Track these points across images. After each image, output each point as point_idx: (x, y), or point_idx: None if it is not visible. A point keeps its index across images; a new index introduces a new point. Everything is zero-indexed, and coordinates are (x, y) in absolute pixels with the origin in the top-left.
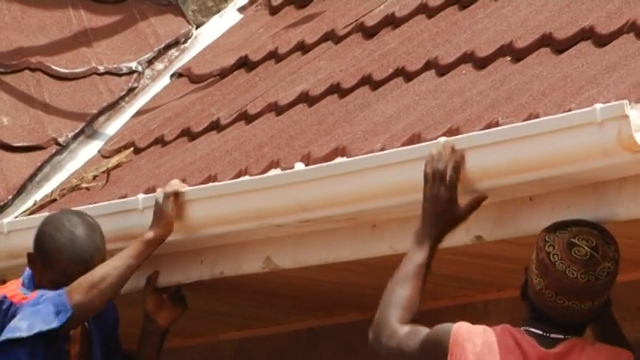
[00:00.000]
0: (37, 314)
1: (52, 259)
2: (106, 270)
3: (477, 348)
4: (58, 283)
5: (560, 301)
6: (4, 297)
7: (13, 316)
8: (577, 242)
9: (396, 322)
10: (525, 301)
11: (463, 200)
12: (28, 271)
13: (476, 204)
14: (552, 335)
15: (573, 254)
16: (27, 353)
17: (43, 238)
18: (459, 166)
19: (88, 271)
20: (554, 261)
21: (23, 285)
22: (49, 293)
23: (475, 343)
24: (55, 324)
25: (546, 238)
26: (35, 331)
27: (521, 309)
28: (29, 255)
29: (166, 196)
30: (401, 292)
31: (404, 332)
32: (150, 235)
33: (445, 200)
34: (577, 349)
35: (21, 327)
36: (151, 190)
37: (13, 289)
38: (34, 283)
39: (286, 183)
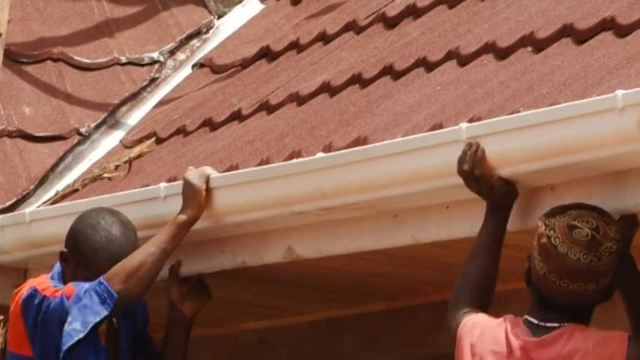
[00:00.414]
0: (85, 310)
1: (89, 259)
2: (143, 257)
3: (473, 340)
4: (92, 280)
5: (564, 284)
6: (35, 289)
7: (47, 309)
8: (577, 224)
9: (465, 303)
10: (530, 287)
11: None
12: (57, 267)
13: (501, 181)
14: (548, 324)
15: (574, 236)
16: (92, 351)
17: (78, 236)
18: (480, 161)
19: None
20: (556, 244)
21: (52, 279)
22: (86, 285)
23: (473, 335)
24: (104, 312)
25: (546, 222)
26: (90, 325)
27: None
28: (62, 253)
29: (200, 176)
30: (472, 269)
31: (462, 318)
32: (182, 217)
33: (476, 187)
34: (565, 336)
35: (76, 328)
36: (172, 180)
37: (43, 282)
38: (64, 280)
39: (308, 170)
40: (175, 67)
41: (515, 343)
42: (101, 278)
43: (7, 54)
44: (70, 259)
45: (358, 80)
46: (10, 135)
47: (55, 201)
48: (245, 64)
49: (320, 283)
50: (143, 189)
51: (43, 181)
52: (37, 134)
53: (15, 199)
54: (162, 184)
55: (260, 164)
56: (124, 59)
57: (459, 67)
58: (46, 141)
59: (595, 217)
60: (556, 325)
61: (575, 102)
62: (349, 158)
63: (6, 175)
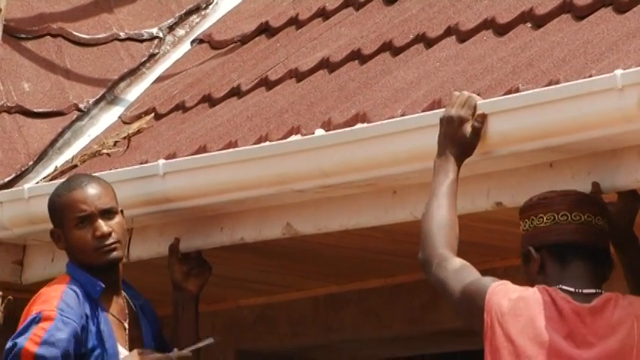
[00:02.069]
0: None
1: (60, 215)
2: None
3: (513, 304)
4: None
5: (576, 217)
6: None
7: None
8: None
9: (444, 247)
10: (542, 272)
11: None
12: (68, 268)
13: (480, 124)
14: (585, 291)
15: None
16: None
17: (50, 205)
18: (472, 99)
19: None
20: (549, 194)
21: (68, 274)
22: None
23: (511, 299)
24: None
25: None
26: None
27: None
28: (51, 233)
29: None
30: (441, 214)
31: (453, 268)
32: None
33: (458, 121)
34: (611, 302)
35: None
36: (171, 155)
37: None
38: (74, 265)
39: (307, 148)
40: (174, 42)
41: (567, 307)
42: None
43: (7, 29)
44: (59, 233)
45: (357, 56)
46: (9, 111)
47: (53, 177)
48: (244, 40)
49: (319, 259)
50: (142, 166)
51: (42, 157)
52: (36, 110)
53: (14, 175)
54: (161, 161)
55: (259, 140)
56: (123, 35)
57: (459, 44)
58: (45, 117)
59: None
60: (592, 291)
61: (575, 81)
62: (349, 137)
63: (5, 151)
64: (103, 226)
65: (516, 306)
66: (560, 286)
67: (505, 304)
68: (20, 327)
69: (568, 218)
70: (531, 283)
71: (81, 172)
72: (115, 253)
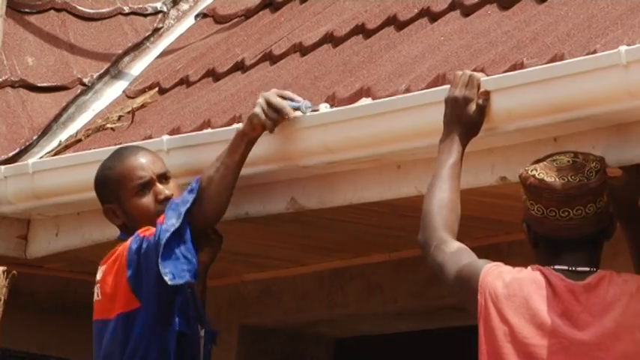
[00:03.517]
0: (176, 206)
1: (119, 185)
2: (208, 174)
3: (507, 284)
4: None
5: (564, 213)
6: (137, 236)
7: (147, 246)
8: (556, 157)
9: (443, 230)
10: (538, 248)
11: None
12: (119, 233)
13: (484, 102)
14: (578, 269)
15: (556, 165)
16: (186, 244)
17: (98, 179)
18: (475, 77)
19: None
20: (542, 177)
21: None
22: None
23: (505, 280)
24: (192, 196)
25: (526, 169)
26: (183, 214)
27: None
28: (106, 211)
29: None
30: (442, 196)
31: (450, 250)
32: (239, 129)
33: (462, 101)
34: (605, 280)
35: (172, 222)
36: (175, 130)
37: (145, 229)
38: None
39: (313, 125)
40: (178, 17)
41: (561, 285)
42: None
43: (10, 4)
44: (115, 207)
45: (362, 31)
46: (13, 85)
47: (58, 151)
48: (248, 14)
49: (323, 234)
50: (146, 141)
51: (46, 132)
52: (40, 84)
53: (18, 150)
54: (165, 137)
55: None
56: (127, 9)
57: (463, 18)
58: (49, 91)
59: (568, 151)
60: (587, 269)
61: (580, 58)
62: (353, 114)
63: (9, 126)
64: (164, 189)
65: (510, 286)
66: (555, 266)
67: (499, 285)
68: (125, 258)
69: (556, 215)
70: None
71: (123, 145)
72: None
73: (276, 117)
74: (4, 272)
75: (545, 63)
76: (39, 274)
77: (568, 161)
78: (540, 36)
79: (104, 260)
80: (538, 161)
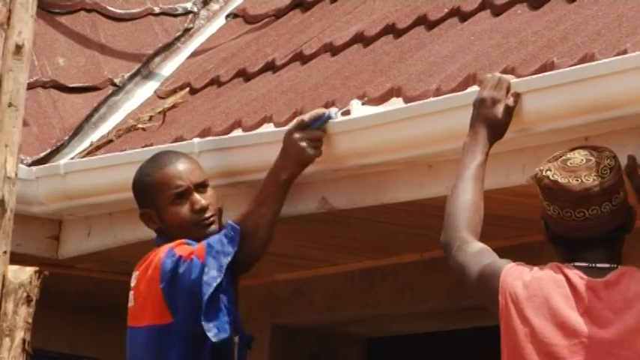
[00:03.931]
0: (218, 255)
1: (155, 191)
2: (254, 219)
3: (527, 284)
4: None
5: (579, 214)
6: (172, 251)
7: (184, 271)
8: (569, 157)
9: (466, 231)
10: (556, 245)
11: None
12: (155, 237)
13: (513, 103)
14: (598, 265)
15: (570, 165)
16: (227, 294)
17: (136, 184)
18: (504, 80)
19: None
20: (556, 179)
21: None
22: (217, 235)
23: (525, 280)
24: (232, 249)
25: (540, 169)
26: (224, 268)
27: None
28: (142, 215)
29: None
30: (466, 197)
31: (472, 251)
32: (284, 176)
33: (490, 102)
34: (626, 276)
35: (213, 275)
36: (206, 130)
37: (179, 243)
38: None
39: (341, 131)
40: (209, 17)
41: (580, 283)
42: (229, 221)
43: (41, 4)
44: (151, 213)
45: (392, 30)
46: (44, 86)
47: (89, 152)
48: (279, 14)
49: (354, 233)
50: (177, 144)
51: (77, 132)
52: (70, 85)
53: (49, 150)
54: (196, 140)
55: (294, 115)
56: (157, 10)
57: (493, 17)
58: (80, 92)
59: (583, 147)
60: (607, 265)
61: (610, 59)
62: (384, 119)
63: (40, 126)
64: (201, 199)
65: (530, 286)
66: (574, 263)
67: (519, 285)
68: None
69: (572, 215)
70: None
71: (163, 150)
72: (213, 227)
73: (319, 144)
74: (35, 273)
75: (576, 62)
76: (70, 275)
77: (582, 160)
78: (570, 35)
79: (138, 266)
80: (552, 159)
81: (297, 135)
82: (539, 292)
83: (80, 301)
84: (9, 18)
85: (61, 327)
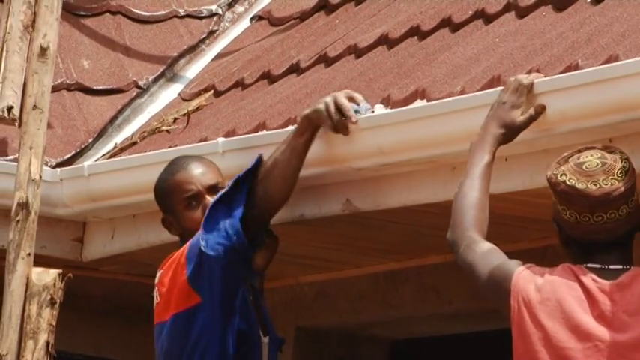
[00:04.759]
0: (226, 198)
1: (171, 195)
2: (273, 157)
3: (539, 288)
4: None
5: (598, 218)
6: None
7: (204, 240)
8: (583, 160)
9: (474, 229)
10: (569, 248)
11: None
12: (180, 241)
13: (536, 114)
14: (611, 267)
15: (586, 169)
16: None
17: (157, 190)
18: (529, 82)
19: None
20: (572, 184)
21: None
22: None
23: (537, 283)
24: (244, 190)
25: (554, 174)
26: (238, 214)
27: None
28: (163, 221)
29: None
30: (473, 195)
31: (481, 251)
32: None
33: (508, 105)
34: (639, 277)
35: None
36: (230, 132)
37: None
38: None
39: (365, 127)
40: (234, 19)
41: (593, 285)
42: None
43: (66, 7)
44: (171, 219)
45: (416, 32)
46: (69, 88)
47: (113, 154)
48: (303, 16)
49: (378, 235)
50: (201, 144)
51: (101, 134)
52: (95, 87)
53: (74, 152)
54: (220, 139)
55: None
56: (182, 12)
57: (518, 19)
58: (104, 94)
59: (595, 149)
60: (620, 267)
61: (633, 59)
62: (408, 116)
63: (65, 129)
64: None
65: (543, 290)
66: (587, 264)
67: (531, 288)
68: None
69: (589, 220)
70: None
71: (180, 155)
72: None
73: (338, 118)
74: (59, 275)
75: (600, 64)
76: (94, 277)
77: (597, 164)
78: (595, 37)
79: (162, 264)
80: (562, 161)
81: (329, 98)
82: (552, 295)
83: (104, 303)
84: (34, 21)
85: (86, 329)
